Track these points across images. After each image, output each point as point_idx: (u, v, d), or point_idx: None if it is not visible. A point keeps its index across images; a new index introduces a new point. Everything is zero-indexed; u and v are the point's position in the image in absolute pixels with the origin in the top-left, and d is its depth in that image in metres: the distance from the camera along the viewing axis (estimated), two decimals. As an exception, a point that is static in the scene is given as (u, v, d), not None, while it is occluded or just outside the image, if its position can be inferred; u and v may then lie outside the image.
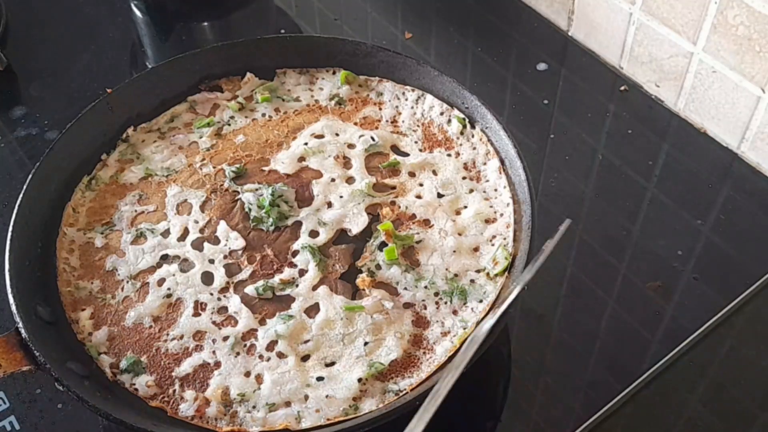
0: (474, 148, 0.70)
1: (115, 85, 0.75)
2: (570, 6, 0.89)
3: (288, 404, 0.57)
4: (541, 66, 0.88)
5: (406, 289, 0.62)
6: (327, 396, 0.57)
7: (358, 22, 0.96)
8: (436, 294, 0.62)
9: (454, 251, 0.64)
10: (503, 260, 0.62)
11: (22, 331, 0.57)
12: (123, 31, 0.97)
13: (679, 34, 0.77)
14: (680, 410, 0.61)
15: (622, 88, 0.85)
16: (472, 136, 0.70)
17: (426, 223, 0.66)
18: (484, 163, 0.69)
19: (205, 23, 0.99)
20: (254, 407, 0.57)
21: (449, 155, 0.70)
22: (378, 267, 0.63)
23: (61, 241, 0.67)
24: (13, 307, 0.59)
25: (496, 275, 0.62)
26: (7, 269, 0.61)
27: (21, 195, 0.65)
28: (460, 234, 0.65)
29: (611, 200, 0.75)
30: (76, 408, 0.63)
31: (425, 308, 0.61)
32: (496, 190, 0.67)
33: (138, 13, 0.99)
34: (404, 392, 0.57)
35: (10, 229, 0.63)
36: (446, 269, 0.63)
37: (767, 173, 0.76)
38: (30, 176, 0.67)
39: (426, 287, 0.62)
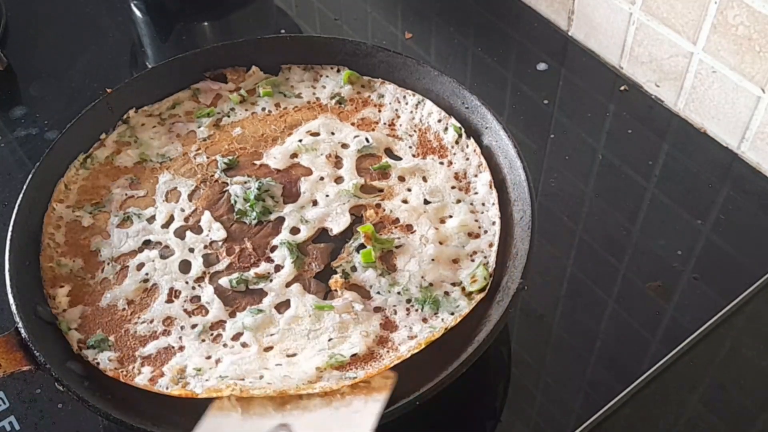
0: (467, 159, 0.69)
1: (115, 85, 0.75)
2: (570, 6, 0.89)
3: (242, 379, 0.57)
4: (541, 66, 0.88)
5: (378, 293, 0.62)
6: (284, 376, 0.56)
7: (358, 22, 0.96)
8: (408, 300, 0.61)
9: (433, 260, 0.63)
10: (482, 279, 0.61)
11: (22, 331, 0.57)
12: (123, 31, 0.97)
13: (679, 34, 0.77)
14: (680, 410, 0.61)
15: (622, 88, 0.85)
16: (467, 146, 0.70)
17: (408, 228, 0.66)
18: (475, 175, 0.68)
19: (205, 23, 0.99)
20: (207, 380, 0.57)
21: (441, 163, 0.70)
22: (353, 269, 0.63)
23: (49, 216, 0.67)
24: (13, 307, 0.59)
25: (471, 293, 0.61)
26: (7, 269, 0.61)
27: (21, 195, 0.66)
28: (441, 243, 0.64)
29: (611, 200, 0.75)
30: (76, 408, 0.63)
31: (395, 313, 0.61)
32: (483, 204, 0.67)
33: (138, 13, 0.99)
34: (361, 379, 0.56)
35: (10, 229, 0.63)
36: (422, 277, 0.62)
37: (767, 173, 0.76)
38: (30, 176, 0.67)
39: (399, 293, 0.62)
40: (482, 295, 0.61)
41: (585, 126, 0.82)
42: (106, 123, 0.74)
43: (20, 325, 0.58)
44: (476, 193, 0.68)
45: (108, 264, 0.65)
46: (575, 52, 0.90)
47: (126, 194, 0.70)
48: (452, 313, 0.60)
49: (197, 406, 0.57)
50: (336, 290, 0.62)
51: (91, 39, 0.96)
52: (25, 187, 0.66)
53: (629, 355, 0.64)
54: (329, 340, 0.59)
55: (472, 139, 0.70)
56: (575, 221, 0.74)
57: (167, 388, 0.57)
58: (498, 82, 0.87)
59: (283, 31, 0.94)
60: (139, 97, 0.75)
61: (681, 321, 0.66)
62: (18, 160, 0.83)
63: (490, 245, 0.64)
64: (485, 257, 0.63)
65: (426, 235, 0.65)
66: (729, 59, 0.74)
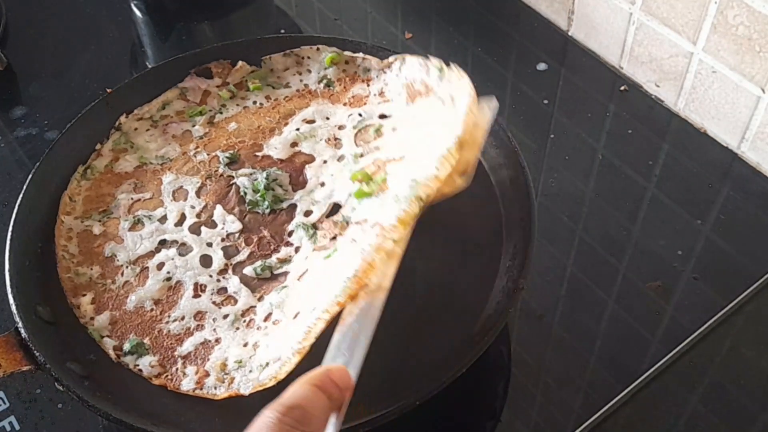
0: (450, 82, 0.66)
1: (115, 85, 0.75)
2: (570, 6, 0.89)
3: (278, 359, 0.57)
4: (541, 66, 0.88)
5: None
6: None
7: (358, 22, 0.96)
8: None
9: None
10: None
11: (22, 331, 0.57)
12: (123, 31, 0.97)
13: (679, 34, 0.77)
14: (680, 410, 0.61)
15: (622, 88, 0.85)
16: (452, 75, 0.67)
17: (402, 158, 0.65)
18: (458, 89, 0.66)
19: (205, 23, 0.99)
20: (250, 371, 0.58)
21: (428, 99, 0.69)
22: (353, 209, 0.64)
23: (59, 228, 0.67)
24: (13, 307, 0.59)
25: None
26: (7, 269, 0.61)
27: (21, 195, 0.66)
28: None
29: (611, 200, 0.75)
30: (76, 408, 0.63)
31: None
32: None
33: (138, 13, 0.99)
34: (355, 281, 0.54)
35: (10, 229, 0.63)
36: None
37: (767, 173, 0.76)
38: (30, 176, 0.67)
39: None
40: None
41: (585, 126, 0.82)
42: (106, 124, 0.74)
43: (20, 325, 0.58)
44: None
45: (127, 267, 0.65)
46: (575, 52, 0.90)
47: (132, 198, 0.70)
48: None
49: (197, 406, 0.57)
50: (339, 233, 0.63)
51: (91, 39, 0.96)
52: (25, 187, 0.66)
53: (629, 355, 0.64)
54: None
55: (453, 65, 0.67)
56: (575, 221, 0.74)
57: (215, 389, 0.57)
58: (498, 82, 0.87)
59: (283, 31, 0.94)
60: (139, 97, 0.75)
61: (681, 321, 0.66)
62: (18, 160, 0.83)
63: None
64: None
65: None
66: (729, 59, 0.74)
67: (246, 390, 0.56)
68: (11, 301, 0.59)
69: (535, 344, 0.66)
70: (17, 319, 0.58)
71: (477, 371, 0.55)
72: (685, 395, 0.62)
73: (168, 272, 0.64)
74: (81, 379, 0.58)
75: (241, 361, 0.58)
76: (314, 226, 0.66)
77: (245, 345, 0.60)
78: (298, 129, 0.73)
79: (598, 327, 0.66)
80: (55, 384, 0.56)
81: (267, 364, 0.57)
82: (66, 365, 0.58)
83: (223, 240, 0.66)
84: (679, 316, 0.66)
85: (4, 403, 0.64)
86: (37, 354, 0.56)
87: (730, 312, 0.66)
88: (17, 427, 0.62)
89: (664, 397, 0.62)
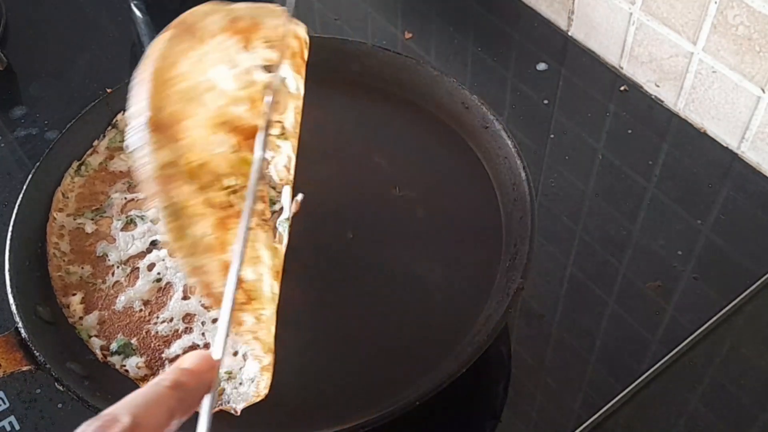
0: None
1: (115, 85, 0.75)
2: (570, 6, 0.89)
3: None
4: (541, 66, 0.88)
5: None
6: None
7: (358, 22, 0.96)
8: None
9: None
10: None
11: (22, 331, 0.57)
12: (123, 31, 0.97)
13: (679, 34, 0.77)
14: (680, 410, 0.61)
15: (622, 88, 0.85)
16: None
17: None
18: None
19: (205, 23, 0.98)
20: (240, 384, 0.57)
21: None
22: None
23: (51, 226, 0.67)
24: (13, 307, 0.59)
25: None
26: (7, 269, 0.61)
27: (21, 195, 0.66)
28: None
29: (611, 200, 0.75)
30: (76, 408, 0.63)
31: None
32: None
33: (138, 13, 0.99)
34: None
35: (10, 229, 0.63)
36: None
37: (767, 173, 0.76)
38: (30, 176, 0.67)
39: None
40: None
41: (585, 126, 0.82)
42: (106, 124, 0.74)
43: (20, 325, 0.58)
44: None
45: (118, 267, 0.65)
46: (575, 52, 0.90)
47: (125, 198, 0.70)
48: None
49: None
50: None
51: (91, 39, 0.96)
52: (25, 187, 0.66)
53: (629, 355, 0.64)
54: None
55: None
56: (575, 221, 0.74)
57: None
58: (498, 82, 0.87)
59: (283, 31, 0.94)
60: (139, 97, 0.75)
61: (681, 321, 0.66)
62: (18, 160, 0.83)
63: None
64: None
65: None
66: (729, 59, 0.74)
67: (238, 406, 0.55)
68: (11, 301, 0.59)
69: (535, 344, 0.66)
70: (17, 319, 0.58)
71: (477, 371, 0.55)
72: (685, 395, 0.62)
73: (158, 273, 0.64)
74: (81, 379, 0.58)
75: (231, 372, 0.58)
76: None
77: (235, 354, 0.59)
78: None
79: (598, 327, 0.66)
80: (55, 384, 0.56)
81: (254, 379, 0.57)
82: (66, 365, 0.58)
83: None
84: (679, 316, 0.66)
85: (4, 403, 0.64)
86: (37, 354, 0.56)
87: (730, 312, 0.66)
88: (17, 427, 0.62)
89: (664, 397, 0.62)
